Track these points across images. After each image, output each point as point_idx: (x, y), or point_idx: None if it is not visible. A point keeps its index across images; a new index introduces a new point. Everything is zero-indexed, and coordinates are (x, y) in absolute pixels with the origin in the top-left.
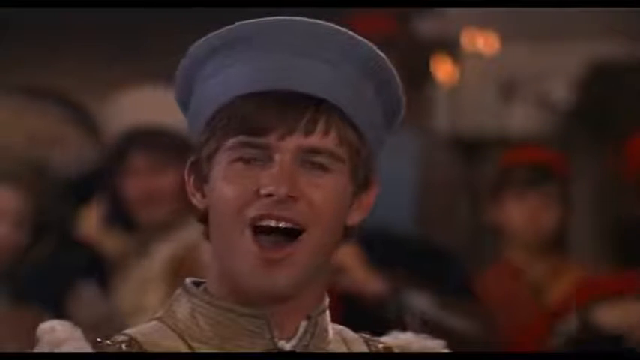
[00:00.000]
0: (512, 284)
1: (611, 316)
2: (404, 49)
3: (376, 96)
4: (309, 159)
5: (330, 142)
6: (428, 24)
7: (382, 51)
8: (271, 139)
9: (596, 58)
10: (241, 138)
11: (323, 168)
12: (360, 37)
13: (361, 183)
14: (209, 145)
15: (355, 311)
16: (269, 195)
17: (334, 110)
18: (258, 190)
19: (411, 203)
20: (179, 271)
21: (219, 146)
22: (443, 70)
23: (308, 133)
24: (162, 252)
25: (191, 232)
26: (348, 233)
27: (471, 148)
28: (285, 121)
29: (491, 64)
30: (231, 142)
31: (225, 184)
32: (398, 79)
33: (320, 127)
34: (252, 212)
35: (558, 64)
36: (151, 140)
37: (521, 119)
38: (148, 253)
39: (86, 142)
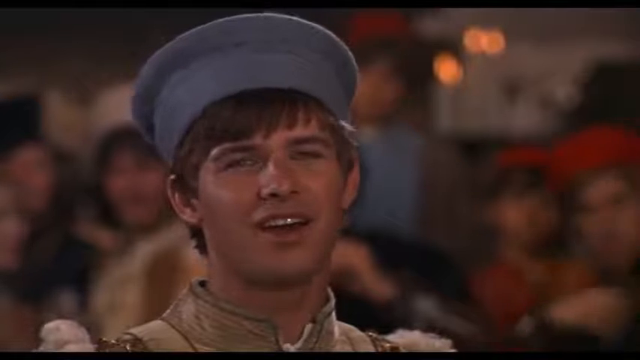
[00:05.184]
0: (510, 285)
1: (570, 313)
2: (407, 49)
3: (336, 76)
4: (298, 150)
5: (313, 128)
6: (431, 24)
7: (386, 51)
8: (257, 139)
9: (599, 57)
10: (226, 145)
11: (314, 155)
12: (310, 23)
13: (346, 164)
14: (192, 158)
15: (363, 314)
16: (272, 195)
17: (308, 98)
18: (259, 193)
19: (413, 203)
20: (159, 271)
21: (204, 157)
22: (446, 69)
23: (291, 125)
24: (145, 251)
25: (175, 233)
26: (343, 217)
27: (474, 148)
28: (266, 119)
29: (494, 64)
30: (216, 151)
31: (223, 192)
32: (352, 56)
33: (300, 116)
34: (258, 215)
35: (562, 63)
36: (136, 138)
37: (524, 119)
38: (131, 251)
39: None
